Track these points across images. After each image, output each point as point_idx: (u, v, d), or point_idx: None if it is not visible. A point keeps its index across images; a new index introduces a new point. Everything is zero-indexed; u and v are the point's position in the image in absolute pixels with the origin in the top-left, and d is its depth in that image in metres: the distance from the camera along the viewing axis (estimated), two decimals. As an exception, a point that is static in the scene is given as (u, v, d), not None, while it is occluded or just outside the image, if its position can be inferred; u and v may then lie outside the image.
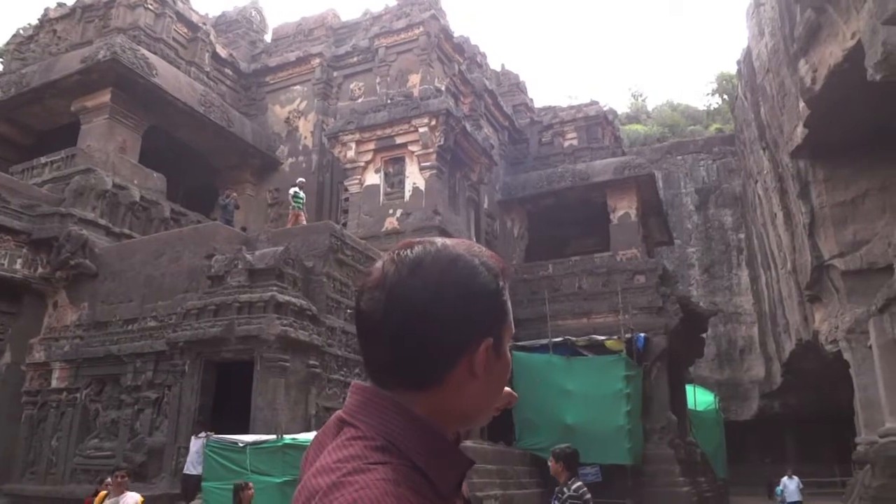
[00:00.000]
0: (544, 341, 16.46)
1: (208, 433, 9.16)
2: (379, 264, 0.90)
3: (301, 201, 15.99)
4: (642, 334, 16.57)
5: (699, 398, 21.61)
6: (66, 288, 12.99)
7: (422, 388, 0.86)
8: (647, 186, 20.50)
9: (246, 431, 9.34)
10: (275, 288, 10.29)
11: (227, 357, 10.30)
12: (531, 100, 25.96)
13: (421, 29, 18.65)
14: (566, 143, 22.34)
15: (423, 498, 0.78)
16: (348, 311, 11.43)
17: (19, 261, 12.72)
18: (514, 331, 0.95)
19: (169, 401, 10.85)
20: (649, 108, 49.76)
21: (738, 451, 27.32)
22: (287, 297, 10.23)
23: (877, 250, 16.23)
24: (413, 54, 18.70)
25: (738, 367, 31.24)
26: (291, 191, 16.24)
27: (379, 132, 16.89)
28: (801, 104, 16.20)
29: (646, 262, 18.70)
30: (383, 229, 16.09)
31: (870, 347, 14.14)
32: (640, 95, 53.17)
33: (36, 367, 12.65)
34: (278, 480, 7.97)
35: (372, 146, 17.00)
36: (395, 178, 16.80)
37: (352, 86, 19.84)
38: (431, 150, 16.32)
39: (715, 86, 45.62)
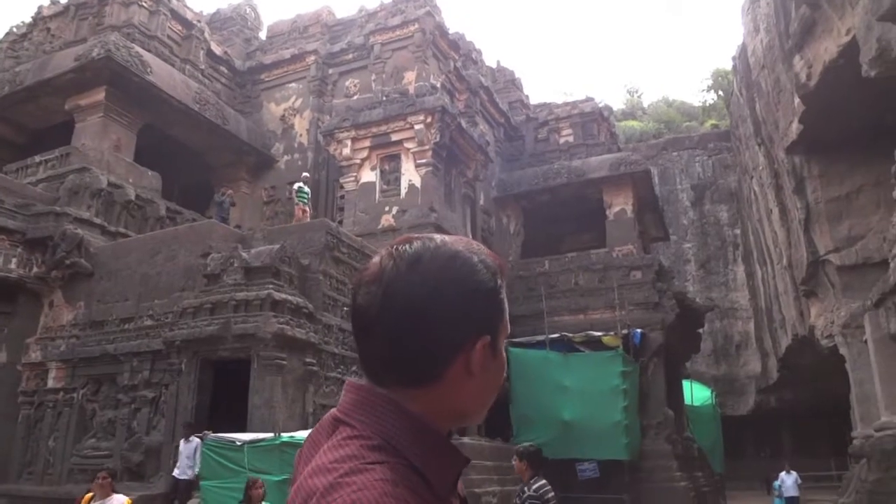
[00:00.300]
0: (541, 337, 16.47)
1: (206, 432, 9.14)
2: (376, 259, 0.89)
3: (306, 196, 15.99)
4: (639, 330, 16.58)
5: (696, 394, 21.65)
6: (61, 287, 12.95)
7: (418, 386, 0.86)
8: (642, 182, 20.52)
9: (243, 430, 9.33)
10: (271, 286, 10.28)
11: (224, 355, 10.28)
12: (527, 96, 25.95)
13: (416, 26, 18.62)
14: (562, 140, 22.35)
15: (421, 498, 0.77)
16: (345, 308, 11.42)
17: (14, 260, 12.67)
18: (510, 329, 0.94)
19: (166, 400, 10.84)
20: (645, 105, 49.81)
21: (735, 446, 27.42)
22: (283, 295, 10.22)
23: (872, 245, 16.26)
24: (408, 51, 18.67)
25: (734, 362, 31.33)
26: (295, 186, 16.22)
27: (374, 129, 16.87)
28: (797, 100, 16.23)
29: (642, 258, 18.72)
30: (379, 227, 16.08)
31: (865, 342, 14.17)
32: (636, 91, 53.29)
33: (32, 367, 12.62)
34: (276, 478, 7.96)
35: (367, 143, 16.98)
36: (390, 176, 16.78)
37: (347, 83, 19.80)
38: (427, 147, 16.30)
39: (710, 82, 45.72)
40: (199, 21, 19.92)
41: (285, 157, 19.99)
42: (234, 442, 8.71)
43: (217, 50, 20.39)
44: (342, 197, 17.60)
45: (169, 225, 15.24)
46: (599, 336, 16.55)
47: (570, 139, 22.25)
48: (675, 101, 48.06)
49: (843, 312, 16.76)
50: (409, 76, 18.27)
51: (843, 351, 17.01)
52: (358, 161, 17.00)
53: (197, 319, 10.41)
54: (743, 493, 24.56)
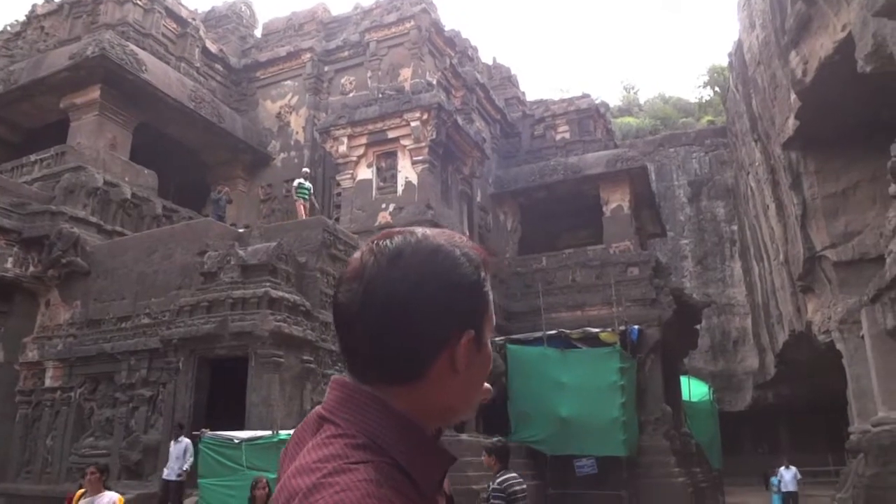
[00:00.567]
0: (538, 334, 16.46)
1: (203, 430, 9.13)
2: (357, 255, 0.88)
3: (307, 191, 15.95)
4: (636, 326, 16.59)
5: (693, 389, 21.66)
6: (58, 286, 12.93)
7: (402, 383, 0.84)
8: (639, 179, 20.53)
9: (241, 427, 9.32)
10: (268, 284, 10.27)
11: (221, 353, 10.28)
12: (523, 93, 25.93)
13: (412, 23, 18.59)
14: (558, 137, 22.34)
15: (406, 497, 0.76)
16: (342, 306, 11.40)
17: (10, 260, 12.64)
18: (494, 323, 0.92)
19: (164, 398, 10.84)
20: (641, 101, 49.83)
21: (733, 441, 27.46)
22: (280, 293, 10.21)
23: (868, 241, 16.28)
24: (404, 48, 18.64)
25: (731, 358, 31.39)
26: (296, 182, 16.18)
27: (370, 126, 16.84)
28: (793, 96, 16.23)
29: (639, 254, 18.73)
30: (376, 224, 16.05)
31: (862, 337, 14.20)
32: (632, 88, 53.33)
33: (29, 367, 12.60)
34: (274, 476, 7.95)
35: (364, 141, 16.94)
36: (387, 173, 16.76)
37: (343, 80, 19.77)
38: (423, 144, 16.28)
39: (706, 78, 45.72)
40: (193, 19, 19.87)
41: (281, 155, 19.96)
42: (231, 440, 8.70)
43: (212, 48, 20.34)
44: (339, 194, 17.57)
45: (165, 223, 15.22)
46: (597, 332, 16.54)
47: (567, 136, 22.25)
48: (672, 98, 48.06)
49: (840, 308, 16.79)
50: (405, 73, 18.24)
51: (839, 346, 17.05)
52: (354, 158, 16.97)
53: (194, 317, 10.40)
54: (740, 489, 24.60)
